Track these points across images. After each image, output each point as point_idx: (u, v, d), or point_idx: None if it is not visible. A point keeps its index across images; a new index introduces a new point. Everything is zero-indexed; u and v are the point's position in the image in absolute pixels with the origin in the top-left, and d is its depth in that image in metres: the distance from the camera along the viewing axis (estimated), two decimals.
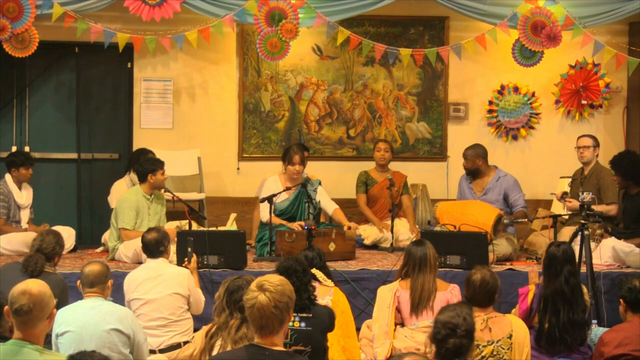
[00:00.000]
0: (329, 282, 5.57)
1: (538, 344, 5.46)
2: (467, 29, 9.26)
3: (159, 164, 7.66)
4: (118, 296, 5.99)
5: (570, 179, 8.48)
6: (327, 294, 5.45)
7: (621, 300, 5.26)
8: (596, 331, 5.75)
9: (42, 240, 6.01)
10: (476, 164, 8.25)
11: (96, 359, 3.64)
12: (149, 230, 6.26)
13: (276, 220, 7.72)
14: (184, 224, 7.78)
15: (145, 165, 7.69)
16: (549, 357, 5.47)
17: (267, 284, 3.61)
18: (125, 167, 8.84)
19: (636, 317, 5.20)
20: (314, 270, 5.51)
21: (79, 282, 5.18)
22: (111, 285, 5.17)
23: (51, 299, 3.98)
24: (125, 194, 7.88)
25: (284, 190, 7.81)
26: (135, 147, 9.16)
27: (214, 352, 4.37)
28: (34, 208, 8.42)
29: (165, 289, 5.94)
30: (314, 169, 8.87)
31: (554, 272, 5.54)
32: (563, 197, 8.04)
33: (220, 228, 8.05)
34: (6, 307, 4.00)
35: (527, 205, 8.25)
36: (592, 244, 7.13)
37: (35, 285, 3.96)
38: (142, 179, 7.68)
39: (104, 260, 6.39)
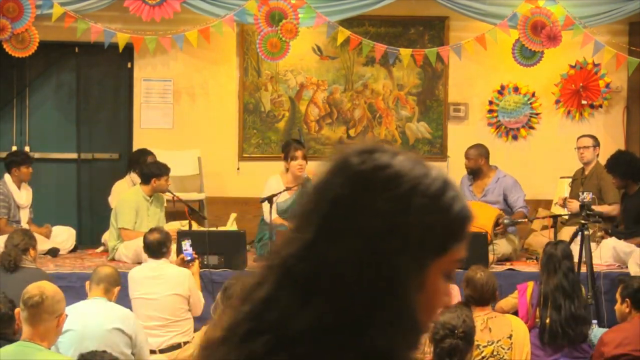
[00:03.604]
0: None
1: (541, 341, 5.47)
2: (467, 29, 9.25)
3: (165, 170, 7.67)
4: (120, 295, 5.99)
5: (570, 179, 8.48)
6: None
7: (627, 299, 5.25)
8: (596, 331, 5.75)
9: (10, 237, 6.18)
10: (478, 164, 8.25)
11: (107, 359, 3.67)
12: (152, 230, 6.27)
13: (277, 220, 7.72)
14: (184, 224, 7.78)
15: (152, 169, 7.70)
16: (552, 353, 5.47)
17: None
18: (126, 167, 8.86)
19: (636, 317, 5.20)
20: None
21: (87, 282, 5.20)
22: (117, 292, 5.18)
23: (62, 302, 4.04)
24: (125, 194, 7.89)
25: (284, 190, 7.81)
26: (135, 147, 9.16)
27: None
28: (33, 208, 8.42)
29: (165, 289, 5.95)
30: (314, 169, 8.86)
31: (552, 268, 5.56)
32: (565, 202, 8.03)
33: (220, 228, 8.05)
34: (17, 310, 4.06)
35: (527, 205, 8.24)
36: (593, 245, 7.13)
37: (50, 286, 4.07)
38: (145, 181, 7.68)
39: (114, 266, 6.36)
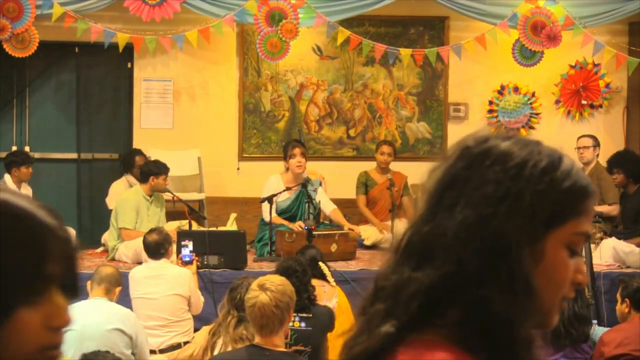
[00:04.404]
0: (332, 280, 5.62)
1: (542, 341, 5.45)
2: (467, 29, 9.26)
3: (163, 169, 7.68)
4: (120, 295, 5.99)
5: None
6: (333, 296, 5.47)
7: (627, 300, 5.25)
8: (596, 331, 5.74)
9: None
10: None
11: (109, 359, 3.66)
12: (151, 231, 6.27)
13: (277, 220, 7.72)
14: (184, 224, 7.78)
15: (150, 167, 7.72)
16: (552, 353, 5.47)
17: (268, 283, 3.62)
18: (121, 168, 8.89)
19: (637, 317, 5.20)
20: (320, 264, 5.55)
21: (88, 282, 5.20)
22: (119, 292, 5.18)
23: None
24: (125, 194, 7.89)
25: (284, 190, 7.82)
26: (135, 147, 9.17)
27: (216, 351, 4.39)
28: None
29: (166, 289, 5.95)
30: (314, 169, 8.87)
31: None
32: None
33: (220, 228, 8.05)
34: None
35: None
36: (592, 245, 7.14)
37: None
38: (144, 179, 7.70)
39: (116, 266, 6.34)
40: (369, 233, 8.42)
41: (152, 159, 8.59)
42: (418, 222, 1.26)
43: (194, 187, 9.26)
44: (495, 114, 9.69)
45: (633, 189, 7.78)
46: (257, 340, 3.67)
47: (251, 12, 8.49)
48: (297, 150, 7.92)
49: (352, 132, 9.66)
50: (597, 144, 8.36)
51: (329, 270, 5.70)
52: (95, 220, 9.32)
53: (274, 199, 7.55)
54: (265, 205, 7.66)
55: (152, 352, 5.71)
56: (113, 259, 7.53)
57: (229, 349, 4.29)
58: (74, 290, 1.19)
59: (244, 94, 9.50)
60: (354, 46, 8.92)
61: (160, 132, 9.36)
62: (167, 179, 7.74)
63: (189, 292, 6.03)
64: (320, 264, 5.61)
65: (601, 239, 7.70)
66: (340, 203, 8.41)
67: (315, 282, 5.29)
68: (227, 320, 4.46)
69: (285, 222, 7.81)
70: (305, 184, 7.76)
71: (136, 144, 9.24)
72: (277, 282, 3.65)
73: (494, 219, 1.20)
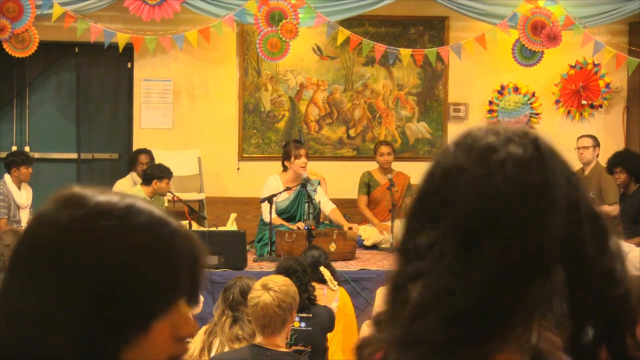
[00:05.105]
0: (334, 284, 5.60)
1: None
2: (467, 29, 9.26)
3: (167, 174, 7.72)
4: None
5: None
6: (333, 299, 5.47)
7: None
8: None
9: (0, 237, 6.12)
10: None
11: None
12: None
13: (277, 221, 7.73)
14: (184, 224, 7.79)
15: (154, 171, 7.76)
16: None
17: (271, 283, 3.62)
18: (127, 167, 8.92)
19: None
20: (321, 269, 5.54)
21: None
22: None
23: None
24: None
25: (284, 190, 7.82)
26: (135, 147, 9.18)
27: (213, 351, 4.39)
28: (33, 208, 8.42)
29: None
30: (314, 169, 8.87)
31: None
32: None
33: (220, 228, 8.05)
34: None
35: None
36: None
37: None
38: (147, 182, 7.73)
39: None
40: (369, 233, 8.42)
41: (156, 160, 8.60)
42: (480, 244, 1.12)
43: (194, 187, 9.26)
44: (495, 114, 9.68)
45: (633, 189, 7.79)
46: (259, 340, 3.67)
47: (251, 12, 8.49)
48: (302, 151, 7.94)
49: (352, 132, 9.66)
50: (597, 144, 8.36)
51: (331, 275, 5.67)
52: None
53: (274, 199, 7.55)
54: (265, 206, 7.66)
55: None
56: None
57: (226, 349, 4.29)
58: (196, 299, 1.15)
59: (244, 94, 9.50)
60: (354, 46, 8.92)
61: (160, 132, 9.36)
62: (170, 183, 7.77)
63: None
64: (322, 268, 5.59)
65: None
66: (340, 203, 8.41)
67: (314, 284, 5.29)
68: (222, 320, 4.46)
69: (285, 223, 7.81)
70: (304, 183, 7.76)
71: (136, 144, 9.24)
72: (281, 283, 3.65)
73: (574, 227, 1.16)
